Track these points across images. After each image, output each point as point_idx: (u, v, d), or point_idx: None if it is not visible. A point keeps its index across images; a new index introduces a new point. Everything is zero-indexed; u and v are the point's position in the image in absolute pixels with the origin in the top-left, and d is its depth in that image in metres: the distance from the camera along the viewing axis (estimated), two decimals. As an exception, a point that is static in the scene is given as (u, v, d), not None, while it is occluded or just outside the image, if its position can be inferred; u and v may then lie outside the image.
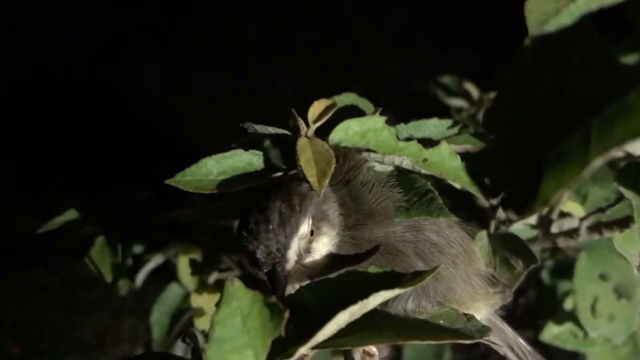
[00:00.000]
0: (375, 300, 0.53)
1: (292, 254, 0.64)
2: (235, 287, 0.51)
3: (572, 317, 0.98)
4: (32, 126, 1.53)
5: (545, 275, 1.10)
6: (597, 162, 0.34)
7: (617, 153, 0.34)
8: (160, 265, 1.12)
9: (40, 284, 1.44)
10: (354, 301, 0.52)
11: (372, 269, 0.58)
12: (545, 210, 0.88)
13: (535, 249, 0.93)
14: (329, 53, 1.66)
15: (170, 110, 1.59)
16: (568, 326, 1.00)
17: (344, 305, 0.52)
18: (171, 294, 1.16)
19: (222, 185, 0.67)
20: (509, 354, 0.75)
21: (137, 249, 1.13)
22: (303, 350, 0.51)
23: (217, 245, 1.09)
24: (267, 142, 0.71)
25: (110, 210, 1.03)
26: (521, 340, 0.76)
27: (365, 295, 0.53)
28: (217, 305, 0.51)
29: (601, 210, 0.81)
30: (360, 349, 0.70)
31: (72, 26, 1.62)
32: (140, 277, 1.13)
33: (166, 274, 1.15)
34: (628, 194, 0.70)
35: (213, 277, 1.09)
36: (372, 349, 0.70)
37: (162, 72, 1.63)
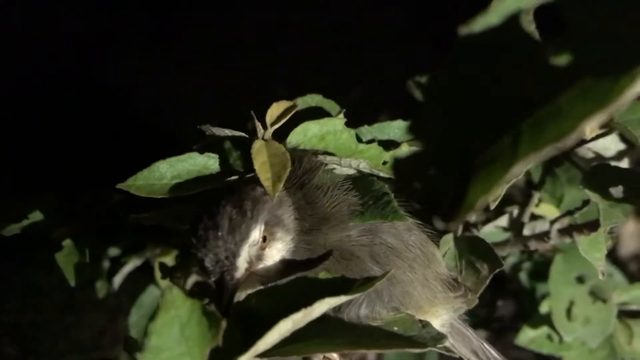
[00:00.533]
0: (320, 307, 0.52)
1: (242, 262, 0.62)
2: (174, 295, 0.50)
3: (547, 320, 0.96)
4: (30, 126, 1.52)
5: (523, 278, 1.08)
6: (519, 167, 0.33)
7: (537, 159, 0.33)
8: (150, 267, 1.12)
9: (37, 285, 1.44)
10: (299, 309, 0.51)
11: (322, 275, 0.57)
12: (515, 212, 0.87)
13: (509, 251, 0.92)
14: (329, 53, 1.65)
15: (163, 111, 1.57)
16: (544, 330, 0.98)
17: (290, 313, 0.51)
18: (149, 297, 1.16)
19: (175, 190, 0.65)
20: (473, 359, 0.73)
21: (115, 251, 1.12)
22: (244, 359, 0.49)
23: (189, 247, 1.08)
24: (226, 145, 0.70)
25: (82, 212, 1.02)
26: (487, 346, 0.74)
27: (310, 302, 0.51)
28: (155, 313, 0.49)
29: (570, 213, 0.79)
30: (320, 355, 0.68)
31: (65, 23, 1.60)
32: (118, 280, 1.12)
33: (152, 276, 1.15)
34: (594, 196, 0.69)
35: (191, 280, 1.08)
36: (333, 354, 0.69)
37: (155, 71, 1.62)
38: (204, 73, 1.59)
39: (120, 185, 0.65)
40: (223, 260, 0.61)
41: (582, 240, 0.69)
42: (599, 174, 0.71)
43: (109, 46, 1.60)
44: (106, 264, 1.13)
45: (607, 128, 0.72)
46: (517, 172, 0.33)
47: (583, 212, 0.79)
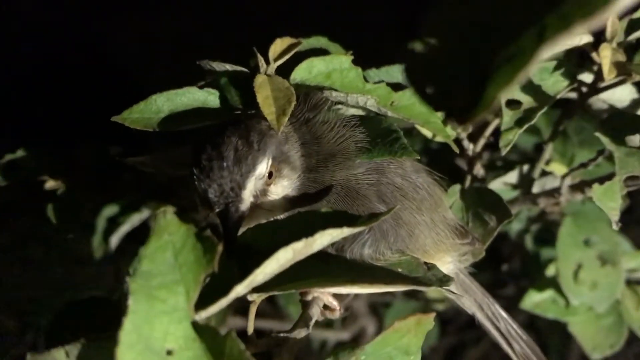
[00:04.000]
0: (322, 239, 0.49)
1: (247, 194, 0.58)
2: (168, 219, 0.47)
3: (554, 283, 0.93)
4: (25, 82, 1.49)
5: (529, 242, 1.05)
6: (544, 52, 0.30)
7: (564, 43, 0.30)
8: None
9: (36, 260, 1.42)
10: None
11: (325, 210, 0.54)
12: (525, 169, 0.84)
13: (517, 209, 0.89)
14: (335, 31, 1.61)
15: (151, 66, 1.54)
16: (549, 293, 0.95)
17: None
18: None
19: (172, 123, 0.62)
20: (478, 314, 0.71)
21: (113, 210, 1.10)
22: (240, 289, 0.47)
23: (189, 206, 1.05)
24: (224, 80, 0.66)
25: (77, 165, 0.99)
26: (492, 300, 0.72)
27: (312, 234, 0.48)
28: (147, 238, 0.47)
29: (583, 166, 0.76)
30: (321, 303, 0.65)
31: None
32: (115, 240, 1.09)
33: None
34: (609, 144, 0.66)
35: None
36: (333, 302, 0.66)
37: (151, 30, 1.58)
38: (203, 48, 1.55)
39: (114, 118, 0.61)
40: (228, 192, 0.57)
41: (596, 189, 0.66)
42: (615, 122, 0.68)
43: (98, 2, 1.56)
44: (104, 224, 1.11)
45: (624, 75, 0.69)
46: (542, 57, 0.30)
47: (594, 167, 0.76)
